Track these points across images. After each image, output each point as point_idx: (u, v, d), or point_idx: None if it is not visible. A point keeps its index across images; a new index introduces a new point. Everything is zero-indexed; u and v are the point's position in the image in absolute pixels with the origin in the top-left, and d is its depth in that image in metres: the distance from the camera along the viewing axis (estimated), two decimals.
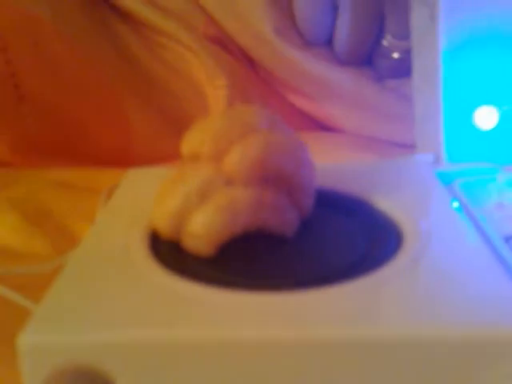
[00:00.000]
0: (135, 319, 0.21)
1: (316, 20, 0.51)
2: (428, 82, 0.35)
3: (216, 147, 0.26)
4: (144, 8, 0.50)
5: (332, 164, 0.34)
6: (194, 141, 0.27)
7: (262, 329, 0.21)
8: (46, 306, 0.22)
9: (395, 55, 0.50)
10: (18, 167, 0.45)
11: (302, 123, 0.53)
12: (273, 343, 0.20)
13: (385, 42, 0.50)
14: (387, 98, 0.50)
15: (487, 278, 0.23)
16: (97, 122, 0.47)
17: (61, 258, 0.32)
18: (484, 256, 0.24)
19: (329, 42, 0.51)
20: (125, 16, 0.51)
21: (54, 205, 0.39)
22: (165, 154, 0.44)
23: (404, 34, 0.47)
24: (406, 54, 0.47)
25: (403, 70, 0.47)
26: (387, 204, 0.29)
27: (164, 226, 0.25)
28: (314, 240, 0.27)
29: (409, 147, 0.40)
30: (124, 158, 0.47)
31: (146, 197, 0.27)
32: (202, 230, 0.25)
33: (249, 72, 0.53)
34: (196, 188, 0.25)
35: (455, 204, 0.30)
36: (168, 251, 0.25)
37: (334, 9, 0.50)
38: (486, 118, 0.35)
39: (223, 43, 0.52)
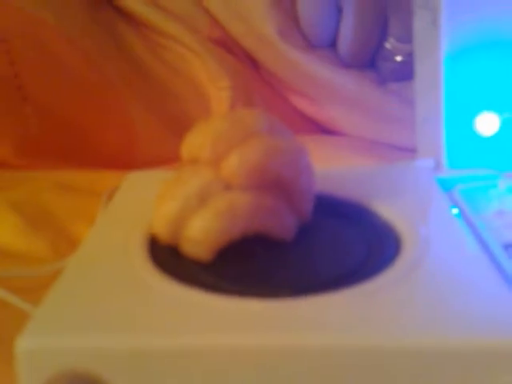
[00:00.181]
0: (134, 325, 0.21)
1: (320, 22, 0.51)
2: (429, 86, 0.35)
3: (215, 151, 0.26)
4: (147, 9, 0.50)
5: (331, 169, 0.34)
6: (193, 144, 0.27)
7: (258, 336, 0.21)
8: (44, 310, 0.22)
9: (398, 58, 0.50)
10: (19, 169, 0.45)
11: (303, 126, 0.53)
12: (270, 350, 0.20)
13: (388, 45, 0.50)
14: (389, 101, 0.50)
15: (485, 286, 0.23)
16: (99, 123, 0.48)
17: (61, 262, 0.32)
18: (483, 264, 0.24)
19: (332, 44, 0.51)
20: (128, 17, 0.51)
21: (54, 207, 0.39)
22: (167, 155, 0.44)
23: (407, 37, 0.47)
24: (409, 57, 0.46)
25: (406, 72, 0.47)
26: (386, 210, 0.29)
27: (162, 231, 0.25)
28: (312, 246, 0.26)
29: (410, 151, 0.40)
30: (126, 160, 0.47)
31: (145, 200, 0.27)
32: (201, 234, 0.25)
33: (252, 74, 0.53)
34: (195, 192, 0.25)
35: (455, 210, 0.30)
36: (166, 256, 0.25)
37: (338, 11, 0.50)
38: (487, 124, 0.35)
39: (227, 45, 0.52)
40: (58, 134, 0.46)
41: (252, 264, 0.25)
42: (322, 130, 0.54)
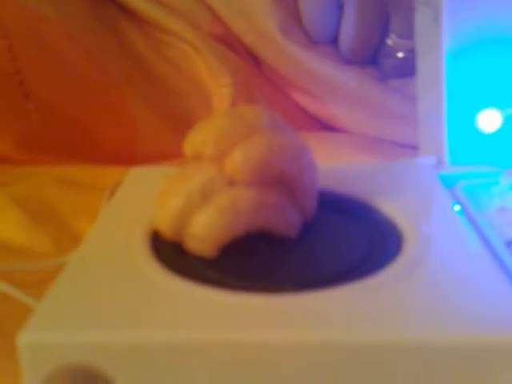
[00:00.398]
0: (136, 319, 0.21)
1: (321, 19, 0.51)
2: (431, 83, 0.35)
3: (218, 148, 0.26)
4: (149, 6, 0.50)
5: (334, 166, 0.34)
6: (196, 141, 0.27)
7: (261, 331, 0.21)
8: (46, 305, 0.22)
9: (400, 54, 0.50)
10: (22, 164, 0.45)
11: (305, 122, 0.54)
12: (272, 345, 0.20)
13: (389, 42, 0.50)
14: (391, 98, 0.50)
15: (487, 283, 0.23)
16: (101, 119, 0.48)
17: (63, 257, 0.32)
18: (485, 261, 0.24)
19: (334, 40, 0.51)
20: (130, 14, 0.51)
21: (57, 202, 0.39)
22: (168, 151, 0.44)
23: (409, 34, 0.47)
24: (411, 53, 0.47)
25: (408, 69, 0.47)
26: (388, 206, 0.29)
27: (166, 228, 0.25)
28: (314, 242, 0.27)
29: (412, 147, 0.40)
30: (128, 156, 0.47)
31: (148, 196, 0.27)
32: (205, 231, 0.25)
33: (253, 70, 0.53)
34: (198, 188, 0.25)
35: (457, 207, 0.30)
36: (169, 251, 0.26)
37: (339, 8, 0.50)
38: (489, 120, 0.35)
39: (229, 42, 0.52)
40: (60, 130, 0.46)
41: (255, 260, 0.25)
42: (324, 126, 0.54)
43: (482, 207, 0.30)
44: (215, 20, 0.52)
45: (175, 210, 0.25)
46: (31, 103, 0.45)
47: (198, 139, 0.27)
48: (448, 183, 0.32)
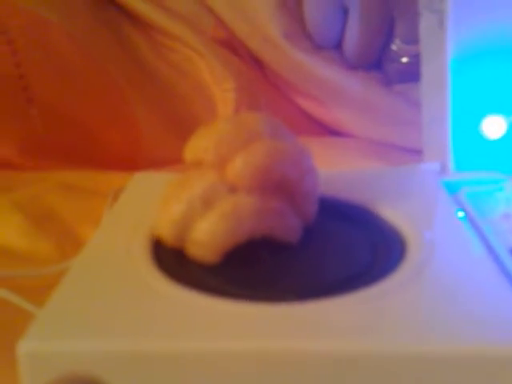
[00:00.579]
0: (137, 329, 0.21)
1: (325, 24, 0.51)
2: (436, 89, 0.35)
3: (220, 154, 0.26)
4: (152, 10, 0.50)
5: (337, 172, 0.33)
6: (197, 147, 0.27)
7: (263, 340, 0.21)
8: (47, 313, 0.22)
9: (404, 59, 0.50)
10: (25, 169, 0.45)
11: (309, 127, 0.53)
12: (274, 354, 0.20)
13: (394, 47, 0.50)
14: (395, 103, 0.50)
15: (491, 291, 0.23)
16: (104, 124, 0.48)
17: (65, 262, 0.32)
18: (489, 268, 0.24)
19: (338, 45, 0.51)
20: (133, 18, 0.51)
21: (59, 207, 0.39)
22: (172, 156, 0.44)
23: (413, 39, 0.46)
24: (415, 58, 0.46)
25: (412, 74, 0.46)
26: (391, 213, 0.29)
27: (167, 234, 0.25)
28: (317, 250, 0.26)
29: (417, 152, 0.39)
30: (131, 161, 0.47)
31: (151, 201, 0.27)
32: (207, 237, 0.25)
33: (257, 75, 0.53)
34: (199, 195, 0.25)
35: (461, 214, 0.30)
36: (171, 258, 0.25)
37: (344, 12, 0.50)
38: (493, 127, 0.35)
39: (232, 46, 0.52)
40: (64, 135, 0.46)
41: (257, 268, 0.25)
42: (329, 131, 0.54)
43: (486, 214, 0.30)
44: (218, 24, 0.52)
45: (177, 216, 0.25)
46: (34, 108, 0.45)
47: (200, 145, 0.27)
48: (452, 189, 0.32)
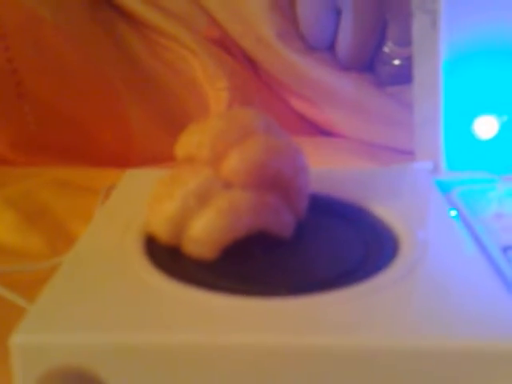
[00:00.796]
0: (130, 322, 0.21)
1: (318, 25, 0.51)
2: (428, 90, 0.35)
3: (214, 150, 0.26)
4: (146, 9, 0.50)
5: (330, 170, 0.33)
6: (188, 143, 0.27)
7: (256, 335, 0.21)
8: (39, 307, 0.22)
9: (396, 62, 0.50)
10: (17, 165, 0.45)
11: (302, 127, 0.53)
12: (266, 349, 0.20)
13: (386, 49, 0.50)
14: (388, 104, 0.50)
15: (484, 289, 0.23)
16: (97, 121, 0.47)
17: (57, 258, 0.32)
18: (481, 266, 0.24)
19: (331, 46, 0.51)
20: (127, 16, 0.51)
21: (51, 203, 0.39)
22: (164, 154, 0.44)
23: (405, 41, 0.47)
24: (407, 60, 0.47)
25: (404, 76, 0.47)
26: (384, 211, 0.29)
27: (162, 232, 0.25)
28: (310, 247, 0.26)
29: (409, 153, 0.40)
30: (124, 158, 0.47)
31: (143, 198, 0.27)
32: (204, 234, 0.24)
33: (250, 74, 0.53)
34: (194, 191, 0.25)
35: (453, 213, 0.30)
36: (163, 254, 0.25)
37: (337, 14, 0.50)
38: (485, 127, 0.35)
39: (225, 45, 0.52)
40: (56, 131, 0.46)
41: (250, 263, 0.25)
42: (321, 131, 0.54)
43: (479, 213, 0.30)
44: (212, 24, 0.52)
45: (171, 213, 0.25)
46: (27, 104, 0.45)
47: (193, 141, 0.26)
48: (444, 189, 0.32)
